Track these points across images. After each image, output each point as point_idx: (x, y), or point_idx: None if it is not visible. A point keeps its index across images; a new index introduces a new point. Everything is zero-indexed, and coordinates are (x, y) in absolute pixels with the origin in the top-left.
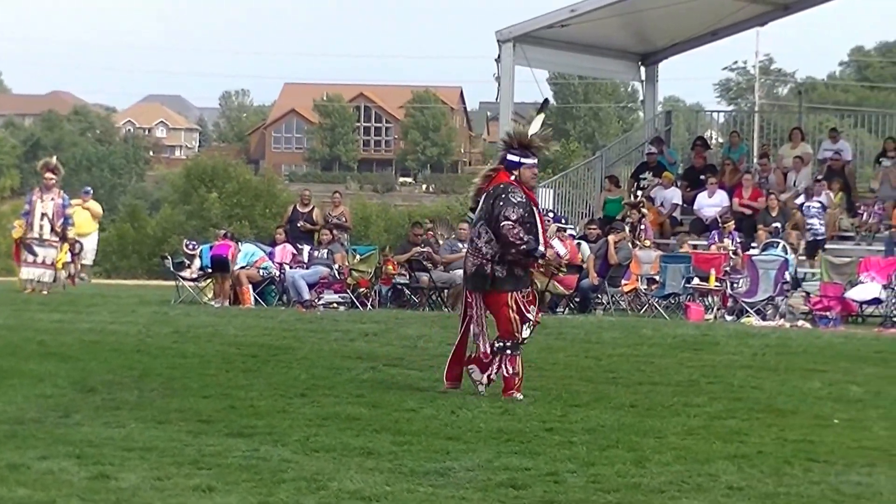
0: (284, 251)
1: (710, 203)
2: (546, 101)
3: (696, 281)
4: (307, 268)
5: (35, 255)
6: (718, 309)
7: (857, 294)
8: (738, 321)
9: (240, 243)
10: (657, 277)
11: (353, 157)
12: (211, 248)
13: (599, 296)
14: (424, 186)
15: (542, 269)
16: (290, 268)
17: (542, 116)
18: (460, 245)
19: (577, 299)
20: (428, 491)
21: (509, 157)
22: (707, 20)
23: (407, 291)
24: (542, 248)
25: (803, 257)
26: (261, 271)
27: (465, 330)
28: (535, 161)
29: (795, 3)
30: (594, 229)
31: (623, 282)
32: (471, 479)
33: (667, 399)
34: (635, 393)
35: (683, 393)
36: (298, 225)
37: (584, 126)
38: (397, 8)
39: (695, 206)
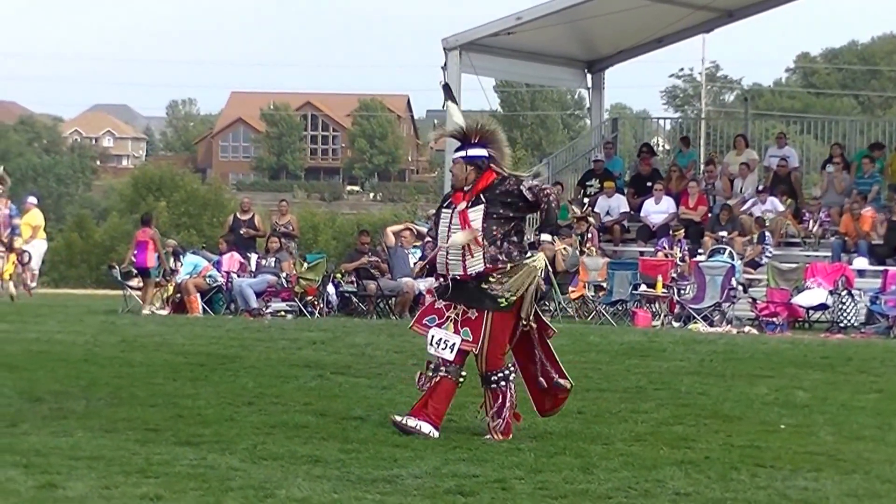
0: (232, 260)
1: (657, 210)
2: (446, 85)
3: (643, 287)
4: (255, 276)
5: None
6: (665, 315)
7: (803, 300)
8: (685, 327)
9: (182, 255)
10: (604, 284)
11: (300, 165)
12: (136, 244)
13: (547, 302)
14: (372, 195)
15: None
16: (238, 276)
17: (452, 105)
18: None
19: None
20: (376, 498)
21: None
22: (653, 27)
23: (355, 299)
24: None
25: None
26: (207, 279)
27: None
28: (459, 154)
29: (741, 10)
30: None
31: (570, 288)
32: (418, 486)
33: (614, 405)
34: (582, 399)
35: (630, 399)
36: (242, 232)
37: (530, 134)
38: (344, 16)
39: (642, 213)
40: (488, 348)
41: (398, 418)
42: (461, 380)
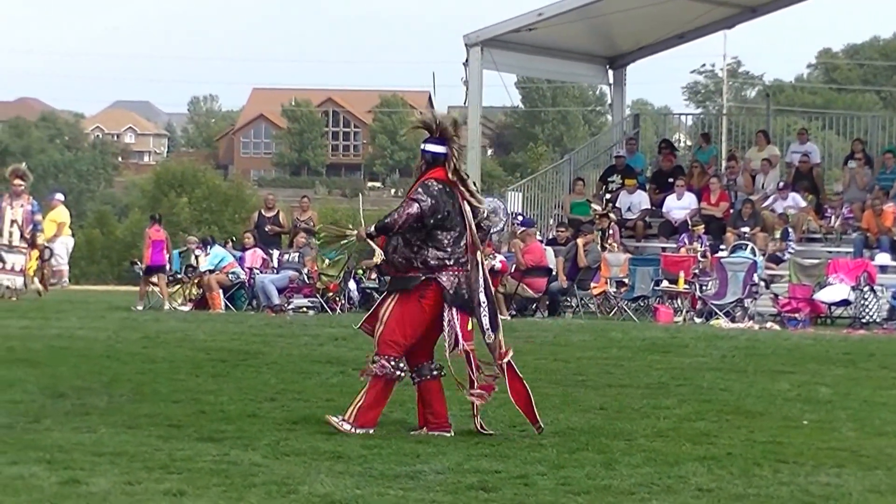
0: (255, 256)
1: (679, 205)
2: None
3: (665, 283)
4: (277, 272)
5: (3, 261)
6: (687, 311)
7: (825, 295)
8: (707, 323)
9: (210, 245)
10: (626, 280)
11: (321, 161)
12: (152, 242)
13: (568, 298)
14: (393, 191)
15: None
16: (260, 272)
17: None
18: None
19: (547, 302)
20: (398, 494)
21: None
22: (674, 23)
23: (376, 295)
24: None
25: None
26: (230, 276)
27: None
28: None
29: (762, 6)
30: (564, 232)
31: (592, 284)
32: (441, 481)
33: (636, 402)
34: (604, 396)
35: (652, 395)
36: (266, 229)
37: (552, 129)
38: (365, 13)
39: (663, 209)
40: (382, 330)
41: (414, 433)
42: (443, 373)
